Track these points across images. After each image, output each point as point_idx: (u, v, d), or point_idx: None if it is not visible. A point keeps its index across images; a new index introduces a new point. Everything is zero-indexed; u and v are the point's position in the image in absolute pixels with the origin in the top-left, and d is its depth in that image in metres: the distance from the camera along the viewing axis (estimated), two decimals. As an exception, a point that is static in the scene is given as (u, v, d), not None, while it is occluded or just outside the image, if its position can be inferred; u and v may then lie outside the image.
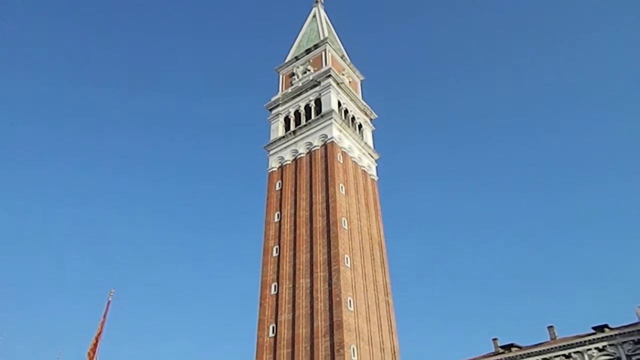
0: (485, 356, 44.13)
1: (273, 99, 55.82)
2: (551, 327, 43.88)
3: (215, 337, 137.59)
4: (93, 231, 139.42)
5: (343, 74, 55.67)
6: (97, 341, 41.45)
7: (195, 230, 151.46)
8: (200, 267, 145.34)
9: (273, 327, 40.15)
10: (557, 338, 42.49)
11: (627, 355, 37.12)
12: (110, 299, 48.07)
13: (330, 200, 43.18)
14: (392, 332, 41.31)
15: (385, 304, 42.35)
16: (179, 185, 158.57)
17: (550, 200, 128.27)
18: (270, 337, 39.77)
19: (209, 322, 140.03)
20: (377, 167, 52.99)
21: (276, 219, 46.18)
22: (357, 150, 50.73)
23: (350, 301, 38.46)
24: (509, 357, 41.45)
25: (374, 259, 44.03)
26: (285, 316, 40.01)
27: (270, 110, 55.41)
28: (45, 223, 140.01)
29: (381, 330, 40.27)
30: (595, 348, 38.40)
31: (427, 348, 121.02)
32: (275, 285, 42.20)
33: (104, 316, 44.94)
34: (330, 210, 42.54)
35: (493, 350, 44.70)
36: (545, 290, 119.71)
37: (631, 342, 37.34)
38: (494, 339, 44.99)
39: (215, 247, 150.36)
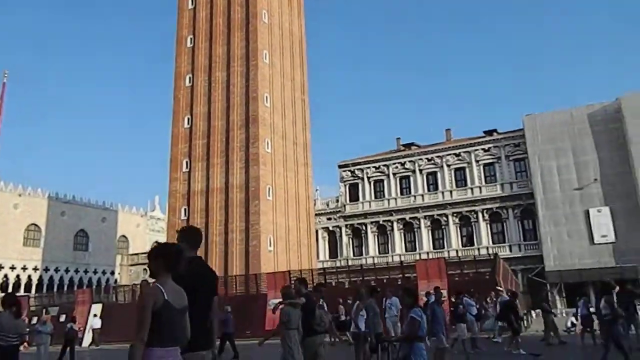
0: (388, 152, 48.69)
1: None
2: (448, 130, 48.44)
3: (128, 127, 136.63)
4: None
5: None
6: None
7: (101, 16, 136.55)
8: (108, 56, 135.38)
9: (188, 119, 40.20)
10: (452, 139, 47.37)
11: (506, 156, 42.75)
12: (5, 81, 44.72)
13: (250, -12, 39.79)
14: (305, 129, 43.26)
15: (301, 102, 43.32)
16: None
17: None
18: (185, 128, 40.11)
19: (120, 113, 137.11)
20: (302, -44, 48.25)
21: (190, 6, 42.31)
22: None
23: (266, 97, 38.77)
24: (409, 154, 46.10)
25: (293, 56, 43.27)
26: (200, 108, 39.88)
27: None
28: None
29: (295, 127, 41.93)
30: (482, 149, 43.49)
31: (337, 145, 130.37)
32: (190, 77, 40.89)
33: (1, 98, 42.19)
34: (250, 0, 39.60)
35: (396, 147, 49.28)
36: (446, 94, 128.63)
37: (512, 144, 42.66)
38: (397, 138, 49.28)
39: (125, 35, 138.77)
